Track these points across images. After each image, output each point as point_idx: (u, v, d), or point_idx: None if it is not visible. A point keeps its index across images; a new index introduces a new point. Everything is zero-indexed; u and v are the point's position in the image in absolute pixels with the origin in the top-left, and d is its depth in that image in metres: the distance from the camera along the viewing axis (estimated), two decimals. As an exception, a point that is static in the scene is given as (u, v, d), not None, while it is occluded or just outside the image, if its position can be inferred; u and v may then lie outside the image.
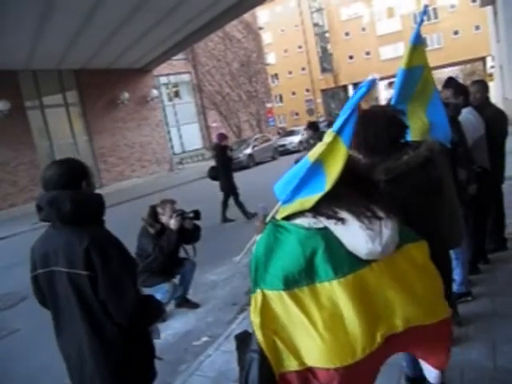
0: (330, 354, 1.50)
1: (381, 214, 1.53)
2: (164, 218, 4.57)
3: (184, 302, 4.81)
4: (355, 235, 1.50)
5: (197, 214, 4.66)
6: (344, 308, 1.49)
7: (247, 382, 1.61)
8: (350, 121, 1.44)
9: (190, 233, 4.67)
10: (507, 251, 4.38)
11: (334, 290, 1.49)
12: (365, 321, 1.50)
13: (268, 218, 1.76)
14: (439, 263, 2.17)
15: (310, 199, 1.51)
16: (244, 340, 1.72)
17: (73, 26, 13.68)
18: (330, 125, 22.29)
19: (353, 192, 1.55)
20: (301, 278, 1.51)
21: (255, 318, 1.57)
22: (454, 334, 3.07)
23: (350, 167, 1.55)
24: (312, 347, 1.52)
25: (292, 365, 1.56)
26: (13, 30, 12.58)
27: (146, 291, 4.53)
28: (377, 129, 2.07)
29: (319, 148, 1.48)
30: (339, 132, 1.46)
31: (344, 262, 1.50)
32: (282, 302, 1.53)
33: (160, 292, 4.56)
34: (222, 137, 9.49)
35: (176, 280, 4.74)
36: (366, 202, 1.54)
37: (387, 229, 1.51)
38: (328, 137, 1.47)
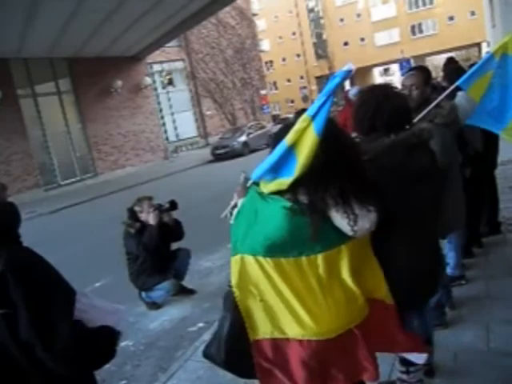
0: (306, 326, 1.53)
1: (357, 210, 1.54)
2: (143, 216, 4.57)
3: (180, 289, 4.82)
4: (338, 220, 1.54)
5: (173, 204, 4.63)
6: (322, 282, 1.54)
7: (215, 338, 1.70)
8: (324, 108, 1.41)
9: (171, 229, 4.66)
10: (501, 235, 4.42)
11: (318, 263, 1.52)
12: (343, 296, 1.56)
13: (249, 184, 1.76)
14: (422, 247, 2.20)
15: (283, 182, 1.51)
16: (225, 299, 1.77)
17: (63, 12, 13.47)
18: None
19: (336, 176, 1.53)
20: (286, 249, 1.53)
21: (233, 279, 1.61)
22: (448, 317, 3.11)
23: (341, 148, 1.55)
24: (289, 317, 1.55)
25: (266, 332, 1.60)
26: (2, 17, 12.37)
27: (147, 293, 4.63)
28: (365, 110, 2.08)
29: (294, 132, 1.46)
30: (313, 118, 1.43)
31: (330, 235, 1.53)
32: (262, 268, 1.55)
33: (161, 291, 4.61)
34: None
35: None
36: (347, 195, 1.54)
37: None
38: (303, 122, 1.44)
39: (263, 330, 1.60)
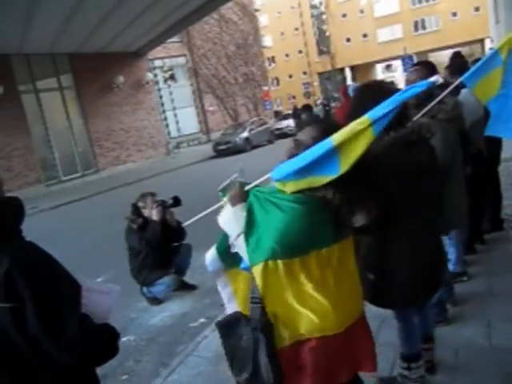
0: (325, 321, 1.53)
1: (371, 204, 1.60)
2: (146, 212, 4.57)
3: (181, 285, 4.82)
4: (356, 215, 1.58)
5: (176, 200, 4.64)
6: (336, 271, 1.55)
7: (257, 366, 1.56)
8: (389, 115, 1.42)
9: (173, 229, 4.65)
10: (503, 232, 4.40)
11: (334, 253, 1.54)
12: (350, 287, 1.57)
13: (249, 187, 1.70)
14: (425, 243, 2.20)
15: (321, 179, 1.47)
16: (230, 323, 1.70)
17: (65, 8, 13.44)
18: (325, 107, 22.26)
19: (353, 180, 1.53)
20: (309, 244, 1.51)
21: (261, 289, 1.54)
22: (450, 314, 3.11)
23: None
24: (310, 315, 1.54)
25: (291, 337, 1.57)
26: (3, 12, 12.34)
27: (148, 288, 4.63)
28: (364, 107, 2.06)
29: (349, 133, 1.43)
30: (374, 121, 1.43)
31: (345, 226, 1.56)
32: (288, 269, 1.51)
33: (162, 286, 4.61)
34: None
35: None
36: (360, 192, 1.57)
37: None
38: (360, 124, 1.43)
39: (288, 335, 1.57)
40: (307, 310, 1.53)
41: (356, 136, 1.43)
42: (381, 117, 1.42)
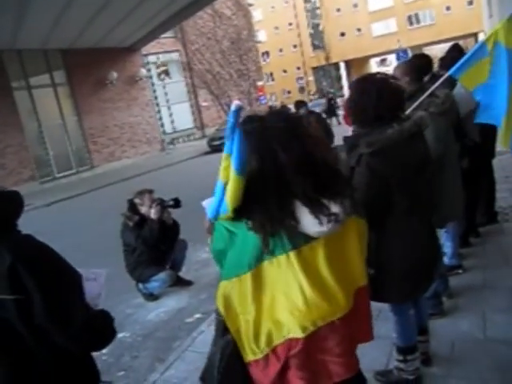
0: (293, 322, 1.50)
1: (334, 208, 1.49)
2: (143, 209, 4.52)
3: (177, 281, 4.82)
4: (305, 219, 1.49)
5: (177, 202, 4.57)
6: (300, 277, 1.50)
7: (209, 364, 1.62)
8: (234, 146, 1.43)
9: (170, 228, 4.63)
10: (497, 224, 4.43)
11: (292, 261, 1.49)
12: (320, 288, 1.52)
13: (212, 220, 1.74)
14: (422, 239, 2.20)
15: (225, 216, 1.51)
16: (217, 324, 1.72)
17: (57, 3, 13.34)
18: (330, 101, 22.08)
19: (307, 180, 1.47)
20: (261, 256, 1.50)
21: (219, 304, 1.57)
22: (445, 306, 3.12)
23: (308, 154, 1.47)
24: (277, 319, 1.52)
25: (259, 350, 1.54)
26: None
27: (144, 284, 4.62)
28: (368, 98, 2.05)
29: (222, 170, 1.47)
30: (231, 158, 1.45)
31: (298, 236, 1.50)
32: (249, 282, 1.51)
33: (157, 282, 4.59)
34: None
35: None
36: (317, 194, 1.49)
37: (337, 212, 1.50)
38: (225, 160, 1.46)
39: (252, 350, 1.55)
40: (272, 316, 1.52)
41: (229, 173, 1.44)
42: (231, 150, 1.44)
